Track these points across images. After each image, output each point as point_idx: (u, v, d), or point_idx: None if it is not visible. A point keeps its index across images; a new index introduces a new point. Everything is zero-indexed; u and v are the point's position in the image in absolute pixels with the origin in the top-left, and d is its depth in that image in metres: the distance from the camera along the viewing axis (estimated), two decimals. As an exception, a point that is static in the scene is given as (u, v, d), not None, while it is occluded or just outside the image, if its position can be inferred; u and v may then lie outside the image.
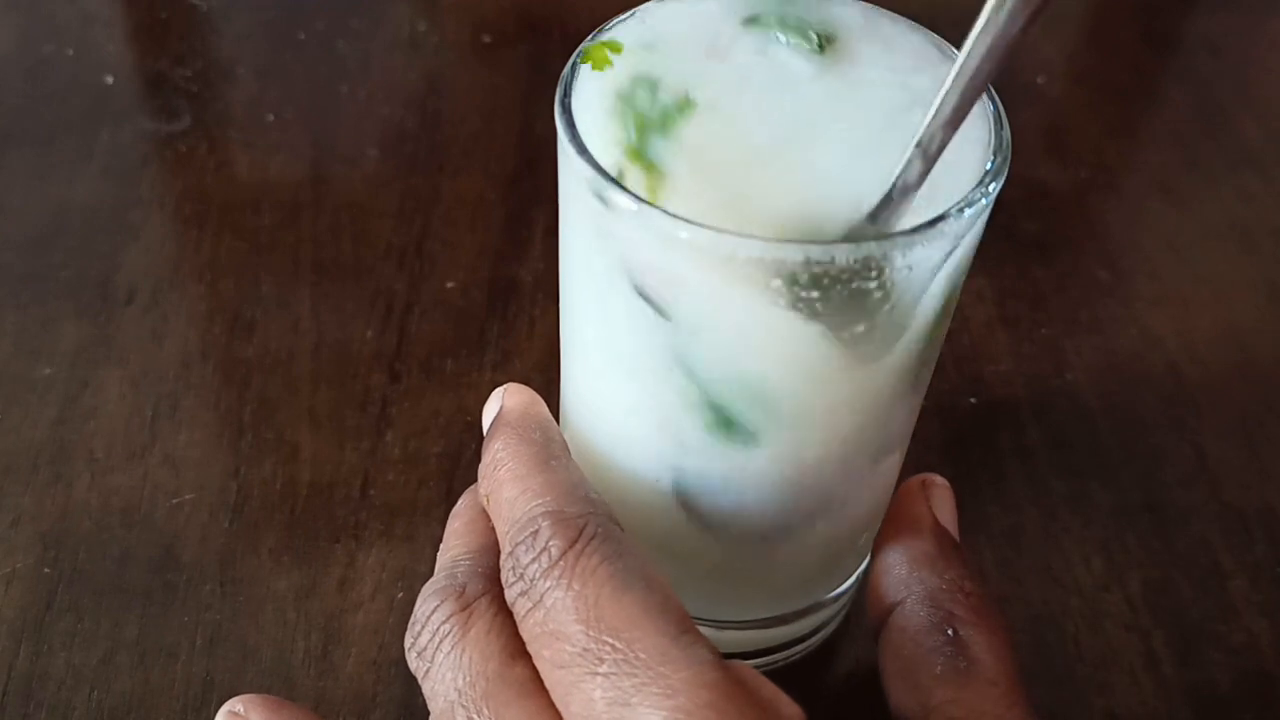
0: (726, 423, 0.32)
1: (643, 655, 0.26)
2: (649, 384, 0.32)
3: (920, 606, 0.34)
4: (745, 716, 0.26)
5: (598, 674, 0.26)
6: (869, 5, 0.34)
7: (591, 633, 0.27)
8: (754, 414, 0.31)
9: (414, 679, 0.31)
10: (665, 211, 0.28)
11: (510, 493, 0.30)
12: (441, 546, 0.33)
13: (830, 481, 0.34)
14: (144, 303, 0.52)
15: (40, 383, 0.48)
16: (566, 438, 0.36)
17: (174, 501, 0.45)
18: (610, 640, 0.26)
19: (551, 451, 0.31)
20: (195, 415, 0.47)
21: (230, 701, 0.32)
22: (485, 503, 0.32)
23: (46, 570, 0.42)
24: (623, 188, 0.28)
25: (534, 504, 0.29)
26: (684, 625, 0.27)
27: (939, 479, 0.37)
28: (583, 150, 0.29)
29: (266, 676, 0.40)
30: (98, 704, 0.39)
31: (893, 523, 0.36)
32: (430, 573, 0.32)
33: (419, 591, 0.31)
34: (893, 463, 0.37)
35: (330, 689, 0.40)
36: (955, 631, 0.33)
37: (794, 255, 0.28)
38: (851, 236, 0.29)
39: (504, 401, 0.33)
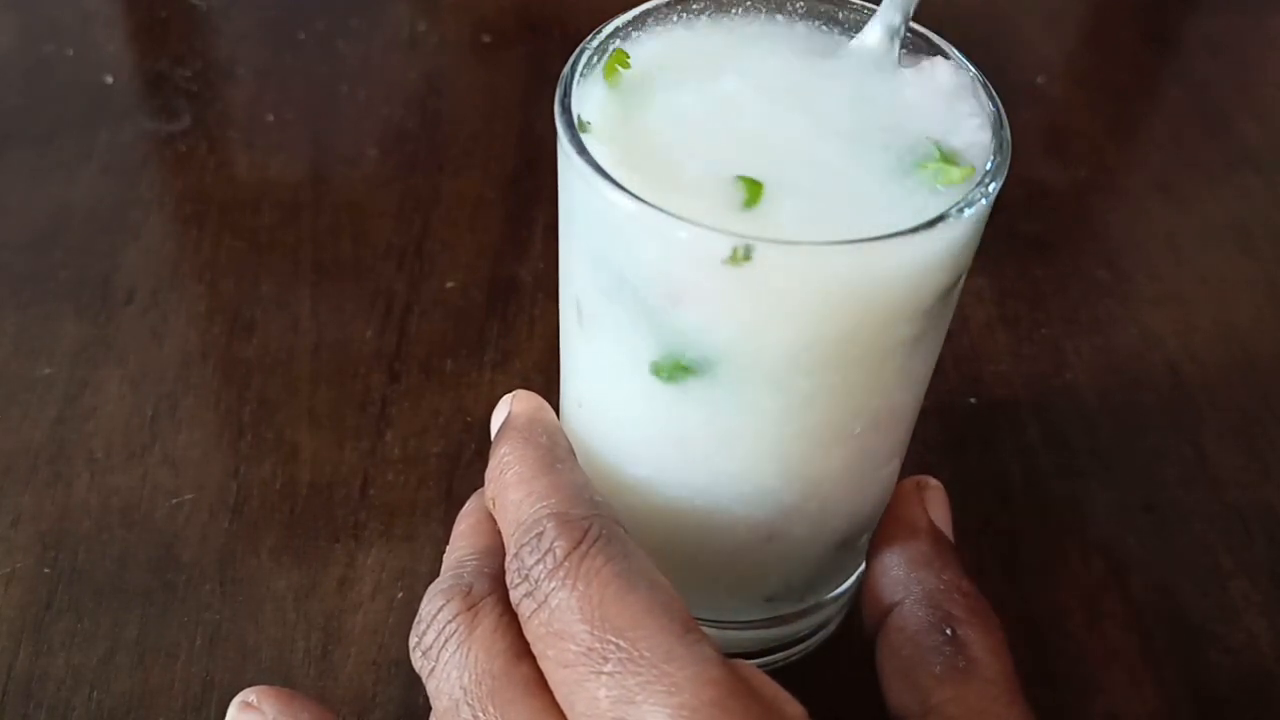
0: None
1: (647, 654, 0.26)
2: (646, 383, 0.32)
3: (918, 607, 0.34)
4: (749, 714, 0.26)
5: (602, 673, 0.26)
6: None
7: (596, 632, 0.27)
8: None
9: (414, 679, 0.31)
10: (665, 211, 0.28)
11: (515, 495, 0.30)
12: (448, 548, 0.33)
13: (835, 483, 0.34)
14: (144, 303, 0.52)
15: (40, 383, 0.48)
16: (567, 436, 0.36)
17: (174, 501, 0.45)
18: (614, 639, 0.27)
19: (557, 455, 0.31)
20: (195, 415, 0.47)
21: (244, 693, 0.32)
22: (491, 506, 0.32)
23: (46, 570, 0.42)
24: (622, 188, 0.28)
25: (539, 506, 0.30)
26: (687, 624, 0.27)
27: (933, 480, 0.37)
28: (582, 150, 0.29)
29: (266, 676, 0.40)
30: (98, 704, 0.39)
31: (888, 524, 0.36)
32: (431, 573, 0.32)
33: (419, 592, 0.31)
34: (894, 463, 0.37)
35: (330, 689, 0.40)
36: (953, 631, 0.33)
37: (795, 255, 0.28)
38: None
39: (512, 407, 0.33)
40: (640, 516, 0.34)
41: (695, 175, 0.30)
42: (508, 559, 0.30)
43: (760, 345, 0.30)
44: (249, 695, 0.32)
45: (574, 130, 0.30)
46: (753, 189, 0.29)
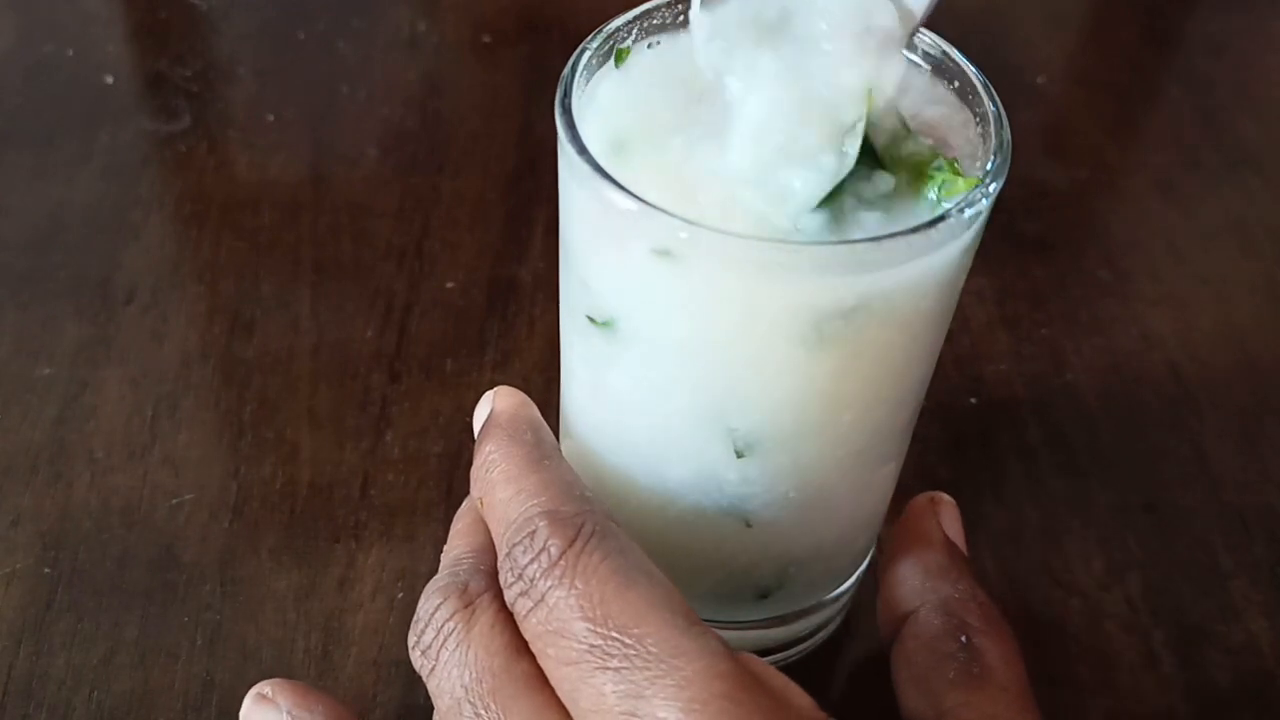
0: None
1: (654, 649, 0.26)
2: (647, 386, 0.32)
3: (934, 615, 0.34)
4: (758, 706, 0.26)
5: (608, 669, 0.26)
6: None
7: (599, 629, 0.27)
8: (754, 418, 0.32)
9: (414, 679, 0.31)
10: (665, 211, 0.28)
11: (504, 494, 0.30)
12: (445, 546, 0.33)
13: (833, 482, 0.34)
14: (144, 303, 0.52)
15: (40, 383, 0.48)
16: (567, 439, 0.36)
17: (174, 501, 0.45)
18: (619, 636, 0.27)
19: (544, 451, 0.31)
20: (195, 415, 0.47)
21: (259, 685, 0.32)
22: (479, 505, 0.32)
23: (46, 570, 0.42)
24: (622, 188, 0.28)
25: (529, 504, 0.29)
26: (690, 618, 0.27)
27: (946, 496, 0.37)
28: (582, 150, 0.29)
29: (266, 676, 0.39)
30: (98, 704, 0.39)
31: (903, 536, 0.36)
32: (431, 573, 0.32)
33: (419, 592, 0.31)
34: (893, 463, 0.37)
35: (330, 689, 0.40)
36: (968, 639, 0.33)
37: (796, 255, 0.28)
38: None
39: (494, 404, 0.33)
40: (636, 516, 0.34)
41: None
42: (500, 558, 0.30)
43: (759, 344, 0.30)
44: (264, 688, 0.32)
45: (574, 130, 0.30)
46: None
